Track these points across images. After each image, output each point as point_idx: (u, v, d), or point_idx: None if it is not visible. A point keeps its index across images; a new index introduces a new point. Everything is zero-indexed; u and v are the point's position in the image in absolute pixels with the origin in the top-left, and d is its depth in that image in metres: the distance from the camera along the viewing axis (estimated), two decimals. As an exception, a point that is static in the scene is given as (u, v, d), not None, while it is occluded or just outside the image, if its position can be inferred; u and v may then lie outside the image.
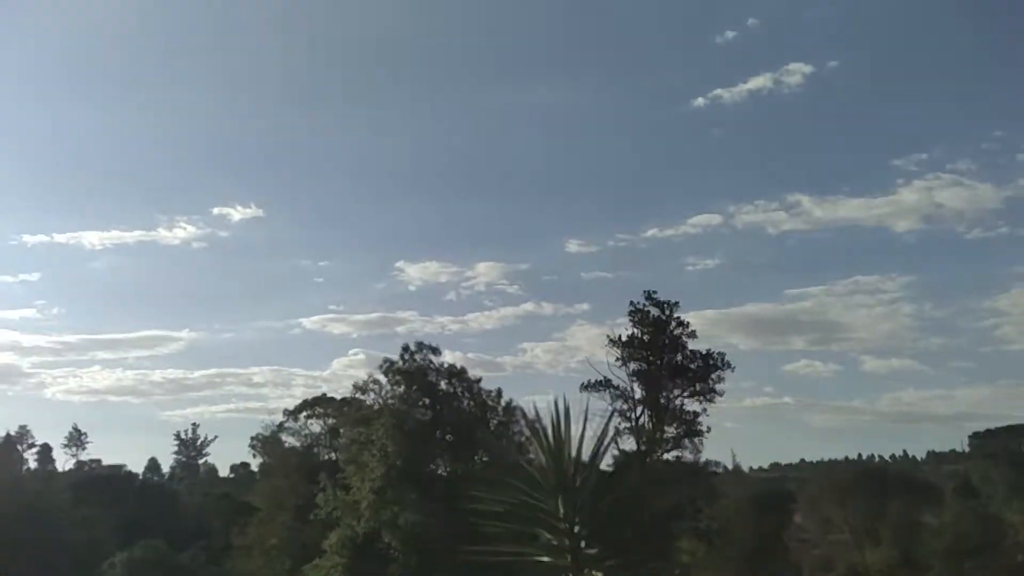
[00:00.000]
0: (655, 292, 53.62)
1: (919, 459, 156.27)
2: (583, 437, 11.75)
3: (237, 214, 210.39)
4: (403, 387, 49.50)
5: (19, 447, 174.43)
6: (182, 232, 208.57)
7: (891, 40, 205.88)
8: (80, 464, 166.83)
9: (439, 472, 49.13)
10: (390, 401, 50.25)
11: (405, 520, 46.83)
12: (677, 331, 56.89)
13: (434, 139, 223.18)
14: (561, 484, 12.65)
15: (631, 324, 55.49)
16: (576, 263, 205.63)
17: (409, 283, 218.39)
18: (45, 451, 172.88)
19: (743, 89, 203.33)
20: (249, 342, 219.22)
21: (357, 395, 51.28)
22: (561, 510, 12.44)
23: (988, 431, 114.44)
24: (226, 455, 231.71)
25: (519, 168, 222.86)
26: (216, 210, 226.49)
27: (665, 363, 56.31)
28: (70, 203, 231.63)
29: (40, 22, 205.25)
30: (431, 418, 48.84)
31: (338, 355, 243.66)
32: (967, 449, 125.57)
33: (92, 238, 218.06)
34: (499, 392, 50.37)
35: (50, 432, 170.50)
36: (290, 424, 71.73)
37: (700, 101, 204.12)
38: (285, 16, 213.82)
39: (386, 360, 50.30)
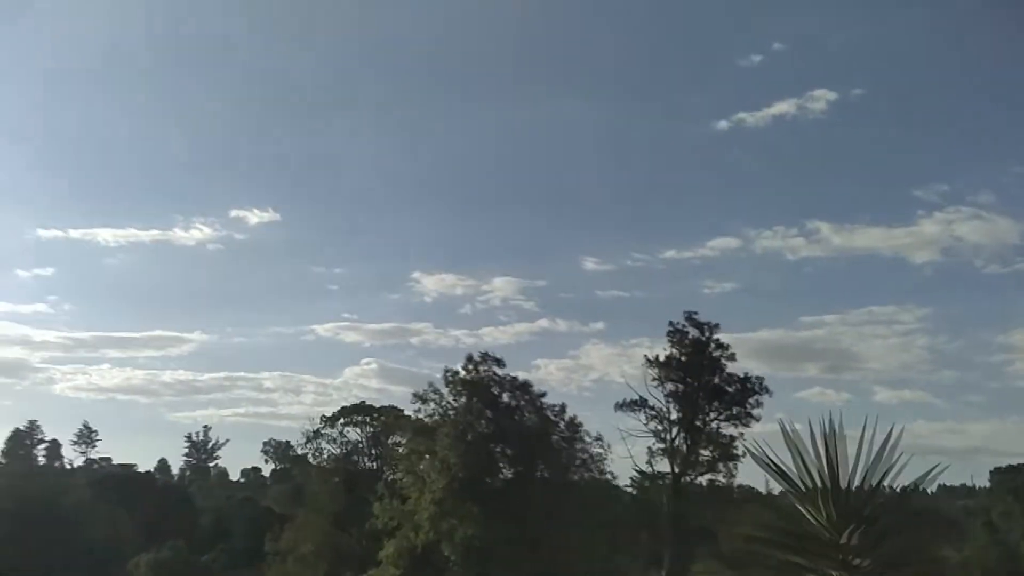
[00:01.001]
0: (696, 312, 52.56)
1: (930, 492, 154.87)
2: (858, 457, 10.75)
3: (254, 217, 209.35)
4: (465, 398, 48.54)
5: (27, 442, 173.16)
6: (198, 233, 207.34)
7: (916, 68, 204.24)
8: (90, 462, 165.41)
9: (499, 485, 48.08)
10: (450, 412, 49.38)
11: (465, 533, 45.90)
12: (716, 353, 56.02)
13: (455, 151, 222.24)
14: (842, 512, 11.65)
15: (669, 344, 54.47)
16: (592, 281, 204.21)
17: (424, 294, 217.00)
18: (54, 447, 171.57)
19: (767, 114, 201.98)
20: (260, 346, 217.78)
21: (417, 404, 50.29)
22: (843, 540, 11.32)
23: (1010, 467, 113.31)
24: (234, 459, 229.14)
25: (538, 183, 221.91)
26: (233, 212, 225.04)
27: (703, 385, 55.39)
28: (86, 199, 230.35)
29: (61, 21, 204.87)
30: (493, 430, 47.89)
31: (350, 364, 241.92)
32: (987, 484, 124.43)
33: (107, 235, 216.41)
34: (563, 407, 49.54)
35: (57, 428, 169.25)
36: (327, 431, 70.54)
37: (723, 124, 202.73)
38: (308, 21, 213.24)
39: (448, 370, 49.47)
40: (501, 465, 48.49)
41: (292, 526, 69.05)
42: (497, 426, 47.92)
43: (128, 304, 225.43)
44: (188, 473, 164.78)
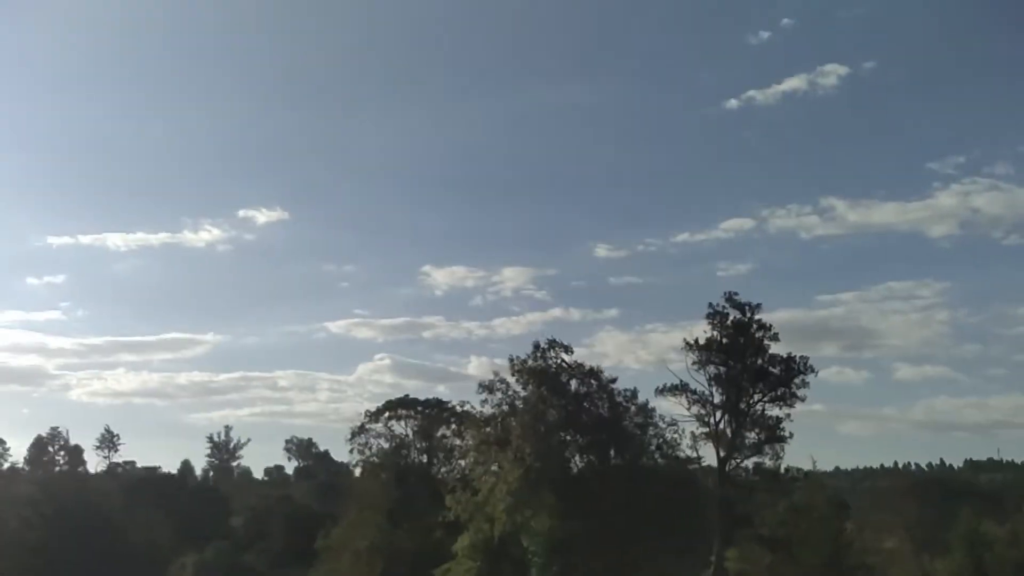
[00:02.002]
0: (736, 293, 50.98)
1: (956, 467, 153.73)
2: None
3: (262, 217, 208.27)
4: (533, 386, 47.09)
5: (50, 448, 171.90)
6: (207, 235, 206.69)
7: (928, 41, 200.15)
8: (114, 466, 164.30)
9: (574, 475, 46.66)
10: (517, 402, 47.99)
11: (542, 524, 44.53)
12: (759, 334, 54.57)
13: (461, 143, 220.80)
14: None
15: (710, 326, 52.97)
16: (605, 268, 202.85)
17: (435, 288, 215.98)
18: (76, 452, 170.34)
19: (777, 90, 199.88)
20: (274, 346, 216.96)
21: (484, 394, 48.79)
22: None
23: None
24: (254, 458, 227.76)
25: (547, 171, 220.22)
26: (241, 212, 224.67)
27: (746, 367, 53.90)
28: (95, 204, 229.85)
29: (67, 28, 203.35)
30: (564, 419, 46.47)
31: (363, 360, 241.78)
32: None
33: (117, 240, 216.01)
34: (634, 392, 48.10)
35: (75, 434, 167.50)
36: (371, 426, 69.05)
37: (733, 102, 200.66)
38: (314, 20, 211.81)
39: (515, 358, 48.00)
40: (575, 454, 46.94)
41: (344, 523, 67.67)
42: (568, 414, 46.46)
43: (140, 308, 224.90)
44: (212, 474, 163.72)
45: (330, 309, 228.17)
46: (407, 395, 70.33)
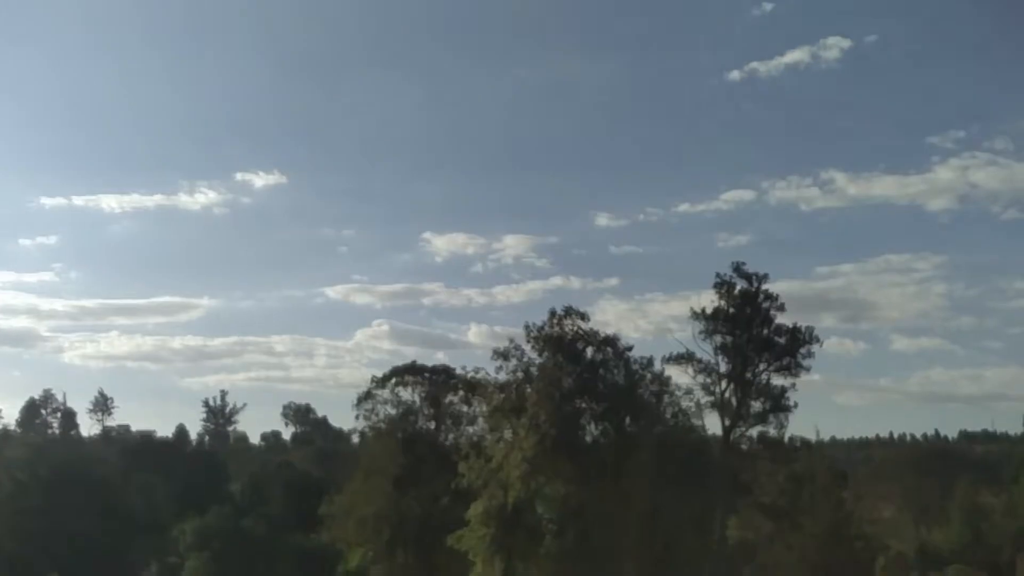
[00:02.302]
0: (744, 263, 50.18)
1: (950, 439, 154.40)
2: None
3: (260, 180, 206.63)
4: (548, 354, 46.53)
5: (43, 411, 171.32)
6: (203, 198, 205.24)
7: (930, 15, 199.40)
8: (107, 429, 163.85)
9: (589, 442, 46.23)
10: (532, 369, 47.45)
11: (556, 491, 44.14)
12: (765, 304, 53.94)
13: (464, 110, 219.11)
14: None
15: (717, 296, 52.30)
16: (606, 237, 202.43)
17: (435, 254, 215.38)
18: (69, 415, 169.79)
19: (780, 63, 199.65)
20: (270, 310, 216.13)
21: (498, 361, 48.19)
22: None
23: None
24: (250, 423, 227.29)
25: (550, 140, 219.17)
26: (238, 176, 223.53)
27: (752, 336, 53.28)
28: (89, 165, 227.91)
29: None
30: (579, 386, 45.96)
31: (361, 326, 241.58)
32: (1020, 430, 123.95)
33: (111, 201, 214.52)
34: (650, 360, 47.57)
35: (68, 397, 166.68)
36: (378, 391, 68.34)
37: (735, 74, 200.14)
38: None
39: (531, 325, 47.43)
40: (590, 422, 46.47)
41: (350, 489, 67.19)
42: (583, 382, 45.96)
43: (134, 271, 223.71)
44: (207, 439, 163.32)
45: (328, 274, 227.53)
46: (415, 361, 69.62)
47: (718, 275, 50.84)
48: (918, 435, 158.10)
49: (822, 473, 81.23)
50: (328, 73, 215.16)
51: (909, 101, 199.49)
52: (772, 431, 52.96)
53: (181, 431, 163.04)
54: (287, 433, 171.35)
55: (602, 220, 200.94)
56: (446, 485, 64.46)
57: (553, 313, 47.25)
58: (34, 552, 79.24)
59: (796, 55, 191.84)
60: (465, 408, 67.40)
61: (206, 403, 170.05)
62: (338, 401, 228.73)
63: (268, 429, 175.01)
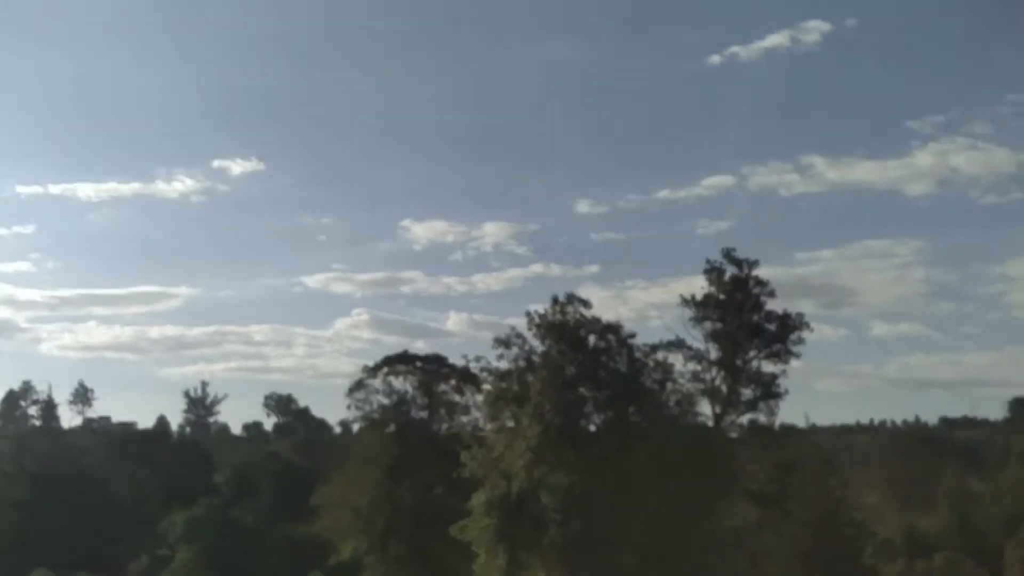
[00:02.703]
0: (734, 249, 49.54)
1: (931, 425, 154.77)
2: None
3: (237, 167, 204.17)
4: (552, 341, 45.82)
5: (22, 402, 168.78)
6: (180, 185, 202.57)
7: None
8: (88, 421, 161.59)
9: (592, 431, 45.58)
10: (533, 357, 46.76)
11: (560, 480, 43.49)
12: (756, 290, 53.45)
13: (442, 96, 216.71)
14: None
15: (707, 282, 51.78)
16: (586, 224, 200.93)
17: (415, 242, 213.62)
18: (48, 407, 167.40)
19: (760, 47, 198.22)
20: (249, 300, 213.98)
21: (499, 349, 47.42)
22: None
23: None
24: (230, 414, 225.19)
25: (529, 126, 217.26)
26: (216, 163, 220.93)
27: (742, 323, 52.80)
28: (65, 153, 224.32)
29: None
30: (582, 374, 45.28)
31: (341, 315, 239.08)
32: (1004, 415, 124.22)
33: (88, 190, 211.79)
34: (654, 348, 46.92)
35: (46, 388, 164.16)
36: (370, 381, 67.48)
37: (715, 59, 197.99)
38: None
39: (533, 312, 46.75)
40: (593, 410, 45.83)
41: (343, 479, 66.32)
42: (586, 369, 45.28)
43: (112, 260, 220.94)
44: (188, 430, 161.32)
45: (307, 263, 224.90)
46: (406, 351, 68.76)
47: (708, 261, 50.26)
48: (898, 421, 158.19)
49: (811, 460, 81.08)
50: (306, 60, 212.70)
51: (889, 85, 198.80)
52: (762, 418, 52.62)
53: (162, 422, 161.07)
54: (269, 424, 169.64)
55: (582, 207, 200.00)
56: (440, 475, 63.84)
57: (555, 300, 46.56)
58: (21, 545, 78.04)
59: (776, 39, 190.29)
60: (458, 398, 66.89)
61: (187, 394, 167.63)
62: (318, 391, 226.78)
63: (248, 419, 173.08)
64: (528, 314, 47.05)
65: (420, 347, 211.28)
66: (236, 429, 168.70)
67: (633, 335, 46.72)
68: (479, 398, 67.09)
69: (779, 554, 59.84)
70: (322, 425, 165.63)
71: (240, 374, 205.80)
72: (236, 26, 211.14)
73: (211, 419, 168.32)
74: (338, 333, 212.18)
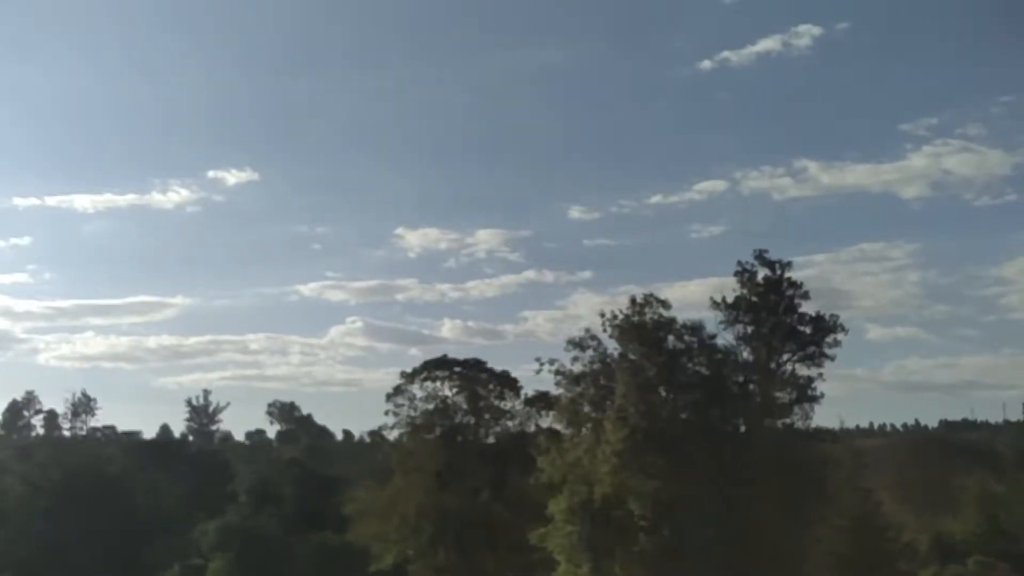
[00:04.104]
0: (766, 251, 46.88)
1: (930, 427, 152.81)
2: None
3: (232, 178, 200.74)
4: (631, 343, 43.17)
5: (25, 412, 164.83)
6: (176, 196, 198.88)
7: (901, 2, 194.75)
8: (92, 430, 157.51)
9: (678, 436, 42.80)
10: (607, 360, 44.16)
11: (646, 486, 40.78)
12: (789, 292, 50.93)
13: (434, 103, 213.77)
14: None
15: (739, 284, 49.23)
16: (578, 230, 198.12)
17: (409, 250, 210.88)
18: (51, 417, 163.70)
19: (751, 51, 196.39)
20: (244, 309, 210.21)
21: (574, 352, 44.77)
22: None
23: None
24: (229, 422, 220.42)
25: (521, 133, 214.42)
26: (211, 173, 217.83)
27: (775, 326, 50.21)
28: (61, 165, 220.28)
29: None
30: (664, 377, 42.64)
31: (335, 323, 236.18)
32: (1020, 418, 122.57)
33: (84, 201, 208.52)
34: (735, 349, 44.39)
35: (46, 398, 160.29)
36: (408, 387, 64.52)
37: (707, 63, 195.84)
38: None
39: (608, 313, 44.09)
40: (675, 414, 43.15)
41: (390, 486, 63.27)
42: (668, 372, 42.63)
43: (108, 271, 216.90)
44: (191, 438, 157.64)
45: (302, 271, 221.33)
46: (445, 355, 65.87)
47: (739, 263, 47.62)
48: (898, 425, 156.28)
49: (847, 463, 78.61)
50: (300, 70, 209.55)
51: (881, 88, 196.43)
52: (798, 422, 50.04)
53: (165, 431, 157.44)
54: (271, 431, 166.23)
55: (575, 213, 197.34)
56: (486, 480, 61.26)
57: (633, 300, 43.93)
58: (47, 555, 74.55)
59: (768, 43, 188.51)
60: (500, 403, 64.25)
61: (189, 402, 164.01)
62: (314, 399, 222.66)
63: (249, 427, 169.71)
64: (602, 315, 44.49)
65: (415, 354, 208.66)
66: (239, 437, 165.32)
67: (714, 336, 44.16)
68: (517, 404, 64.79)
69: (818, 559, 57.55)
70: (324, 432, 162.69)
71: (236, 383, 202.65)
72: (231, 38, 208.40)
73: (213, 427, 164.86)
74: (333, 341, 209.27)
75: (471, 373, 64.92)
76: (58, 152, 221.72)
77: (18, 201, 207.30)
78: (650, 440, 41.00)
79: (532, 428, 64.03)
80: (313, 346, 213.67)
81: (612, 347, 44.56)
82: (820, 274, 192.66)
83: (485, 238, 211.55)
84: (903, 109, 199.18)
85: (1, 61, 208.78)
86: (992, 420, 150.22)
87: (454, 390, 64.10)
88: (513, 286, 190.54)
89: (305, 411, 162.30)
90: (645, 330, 43.17)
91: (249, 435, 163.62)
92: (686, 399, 42.73)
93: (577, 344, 44.75)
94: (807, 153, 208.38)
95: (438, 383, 64.79)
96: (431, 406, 63.14)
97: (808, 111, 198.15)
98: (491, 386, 64.52)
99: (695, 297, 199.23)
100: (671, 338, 43.74)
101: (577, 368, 44.90)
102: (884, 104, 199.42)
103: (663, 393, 42.77)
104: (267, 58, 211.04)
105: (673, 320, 44.13)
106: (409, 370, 64.81)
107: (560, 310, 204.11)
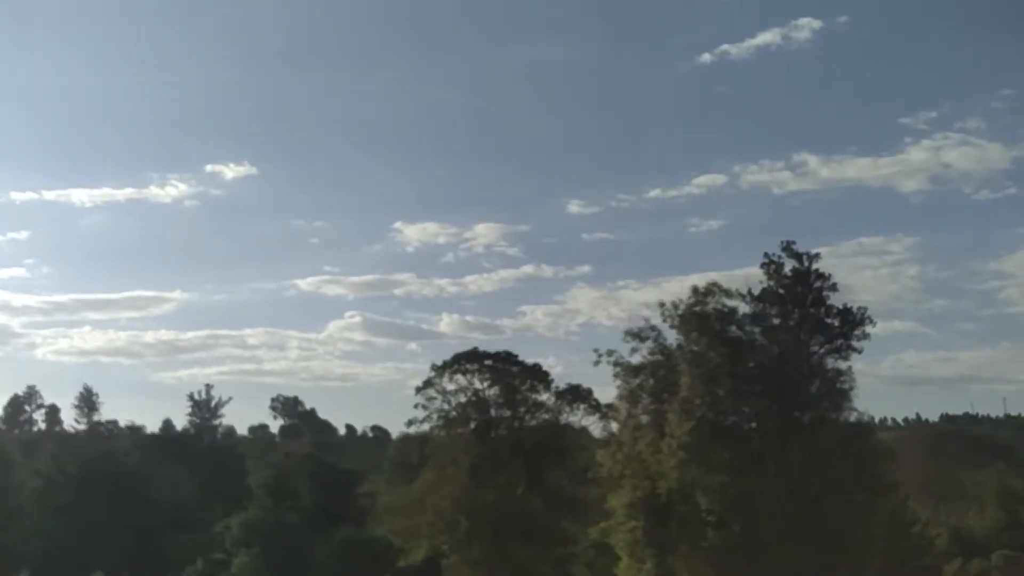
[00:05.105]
0: (794, 242, 44.62)
1: (931, 422, 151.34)
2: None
3: (230, 172, 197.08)
4: (696, 334, 41.20)
5: (27, 407, 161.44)
6: (174, 190, 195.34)
7: None
8: (96, 425, 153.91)
9: (744, 428, 40.94)
10: (669, 350, 42.25)
11: (713, 480, 38.89)
12: (817, 284, 48.96)
13: (433, 98, 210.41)
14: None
15: (765, 276, 47.17)
16: (577, 224, 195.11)
17: (407, 244, 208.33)
18: (53, 412, 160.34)
19: (750, 45, 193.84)
20: (242, 303, 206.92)
21: (632, 343, 42.85)
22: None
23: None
24: (231, 416, 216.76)
25: (520, 127, 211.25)
26: (209, 168, 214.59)
27: (802, 318, 48.20)
28: (59, 159, 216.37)
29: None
30: (728, 368, 40.66)
31: (333, 317, 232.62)
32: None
33: (82, 195, 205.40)
34: (800, 339, 42.39)
35: (45, 393, 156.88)
36: (437, 380, 62.34)
37: (706, 57, 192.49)
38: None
39: (667, 304, 42.15)
40: (741, 407, 41.17)
41: (421, 480, 61.22)
42: (732, 363, 40.66)
43: (106, 265, 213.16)
44: (193, 433, 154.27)
45: (300, 266, 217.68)
46: (476, 348, 63.73)
47: (766, 255, 45.53)
48: (899, 419, 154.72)
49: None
50: (298, 64, 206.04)
51: (881, 82, 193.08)
52: (831, 415, 48.13)
53: (168, 426, 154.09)
54: (274, 426, 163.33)
55: (573, 207, 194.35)
56: (522, 474, 59.32)
57: (696, 289, 41.98)
58: (65, 550, 72.08)
59: (767, 37, 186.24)
60: (533, 395, 62.28)
61: (191, 396, 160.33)
62: (311, 393, 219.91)
63: (245, 422, 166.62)
64: (661, 304, 42.54)
65: (413, 349, 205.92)
66: (241, 431, 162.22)
67: (779, 323, 42.17)
68: (549, 397, 62.78)
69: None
70: (326, 427, 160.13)
71: (234, 377, 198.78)
72: (230, 32, 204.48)
73: (216, 422, 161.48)
74: (331, 336, 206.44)
75: (502, 366, 62.84)
76: (55, 146, 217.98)
77: (15, 195, 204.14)
78: (717, 433, 39.05)
79: (564, 421, 62.32)
80: (311, 341, 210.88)
81: (672, 338, 42.65)
82: (819, 268, 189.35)
83: (483, 232, 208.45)
84: (903, 103, 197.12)
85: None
86: (993, 414, 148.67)
87: (486, 383, 61.95)
88: (511, 281, 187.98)
89: (307, 406, 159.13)
90: (708, 320, 41.18)
91: (252, 430, 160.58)
92: (751, 391, 40.59)
93: (636, 335, 42.89)
94: (806, 147, 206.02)
95: (469, 376, 62.68)
96: (463, 399, 60.96)
97: (808, 105, 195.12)
98: (523, 379, 62.51)
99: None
100: (734, 328, 41.78)
101: (636, 360, 42.99)
102: (884, 97, 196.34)
103: (729, 385, 40.59)
104: (265, 52, 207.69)
105: (736, 310, 42.20)
106: (439, 363, 62.70)
107: (558, 305, 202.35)
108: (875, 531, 41.23)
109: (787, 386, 40.94)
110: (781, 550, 38.04)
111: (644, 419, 42.27)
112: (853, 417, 43.83)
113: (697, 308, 41.59)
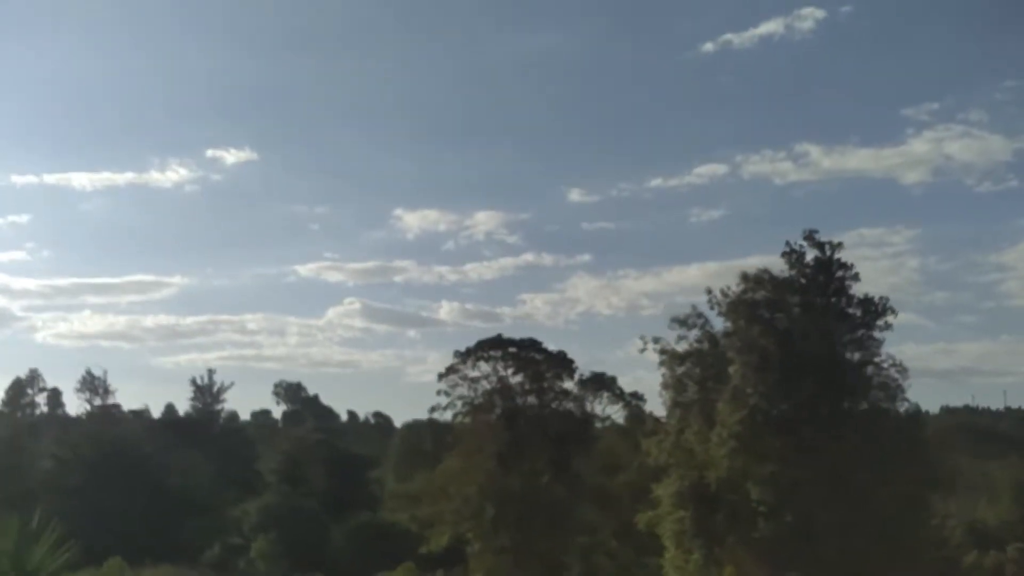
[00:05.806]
0: (816, 231, 43.14)
1: (931, 414, 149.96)
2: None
3: (231, 157, 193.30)
4: (743, 321, 39.94)
5: (29, 391, 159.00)
6: (174, 175, 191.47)
7: None
8: (99, 408, 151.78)
9: (794, 416, 39.61)
10: (716, 337, 41.03)
11: (764, 470, 37.66)
12: (839, 274, 47.65)
13: (434, 84, 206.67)
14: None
15: (787, 266, 45.83)
16: (578, 213, 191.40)
17: (407, 231, 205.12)
18: (55, 395, 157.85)
19: (753, 34, 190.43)
20: (242, 288, 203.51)
21: (679, 330, 41.60)
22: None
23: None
24: (234, 401, 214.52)
25: (521, 115, 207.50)
26: (209, 152, 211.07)
27: (824, 308, 46.89)
28: (60, 143, 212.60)
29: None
30: (778, 356, 39.38)
31: (333, 304, 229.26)
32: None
33: (82, 179, 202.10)
34: (852, 326, 41.16)
35: (47, 376, 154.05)
36: (459, 367, 61.04)
37: (708, 46, 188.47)
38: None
39: (718, 292, 40.89)
40: (792, 394, 39.85)
41: (444, 467, 59.97)
42: (783, 352, 39.40)
43: (107, 249, 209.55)
44: (196, 417, 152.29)
45: (300, 252, 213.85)
46: (500, 335, 62.46)
47: (788, 244, 44.20)
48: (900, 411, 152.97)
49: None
50: (300, 49, 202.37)
51: (884, 72, 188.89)
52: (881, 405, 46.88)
53: (171, 410, 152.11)
54: (277, 412, 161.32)
55: (574, 196, 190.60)
56: (548, 462, 58.16)
57: (745, 276, 40.68)
58: (79, 535, 70.30)
59: (770, 26, 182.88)
60: (558, 383, 61.07)
61: (193, 381, 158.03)
62: (312, 379, 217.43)
63: (247, 407, 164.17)
64: (708, 291, 41.31)
65: (412, 336, 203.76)
66: (243, 416, 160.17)
67: (826, 311, 40.96)
68: (573, 384, 61.56)
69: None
70: (329, 413, 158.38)
71: (234, 363, 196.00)
72: (229, 17, 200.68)
73: (218, 407, 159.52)
74: (330, 322, 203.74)
75: (526, 353, 61.59)
76: (56, 130, 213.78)
77: (16, 178, 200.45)
78: (768, 422, 37.81)
79: (590, 409, 61.24)
80: (311, 327, 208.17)
81: (719, 325, 41.44)
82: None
83: (484, 220, 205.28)
84: (905, 93, 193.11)
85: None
86: (993, 407, 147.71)
87: (510, 370, 60.70)
88: (511, 268, 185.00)
89: (310, 392, 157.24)
90: (759, 307, 39.92)
91: (255, 415, 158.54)
92: (803, 379, 39.32)
93: (682, 322, 41.62)
94: (808, 137, 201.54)
95: (493, 363, 61.42)
96: (488, 386, 59.69)
97: (810, 95, 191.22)
98: (548, 366, 61.32)
99: (694, 281, 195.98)
100: (782, 316, 40.54)
101: (682, 347, 41.69)
102: (886, 88, 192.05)
103: (779, 373, 39.33)
104: (266, 37, 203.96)
105: (786, 298, 40.94)
106: (463, 349, 61.45)
107: (559, 293, 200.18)
108: (928, 526, 40.13)
109: (838, 375, 39.75)
110: (831, 543, 36.90)
111: (691, 407, 40.94)
112: (903, 408, 42.81)
113: (747, 296, 40.28)
